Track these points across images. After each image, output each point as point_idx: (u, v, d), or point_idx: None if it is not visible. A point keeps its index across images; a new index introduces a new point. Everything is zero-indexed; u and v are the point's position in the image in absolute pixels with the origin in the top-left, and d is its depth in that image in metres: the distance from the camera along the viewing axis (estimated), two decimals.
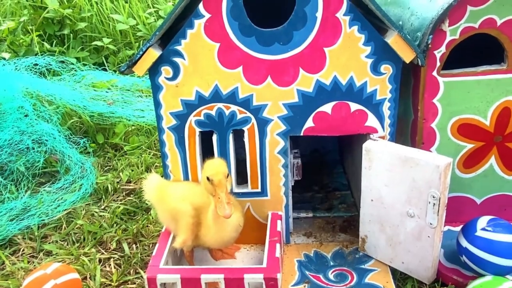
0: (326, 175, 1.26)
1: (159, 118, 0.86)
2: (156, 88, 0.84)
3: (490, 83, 0.82)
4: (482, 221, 0.79)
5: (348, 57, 0.80)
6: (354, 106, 0.84)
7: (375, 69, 0.81)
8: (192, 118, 0.86)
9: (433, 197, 0.76)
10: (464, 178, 0.91)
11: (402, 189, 0.81)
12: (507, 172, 0.90)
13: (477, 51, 0.86)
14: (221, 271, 0.78)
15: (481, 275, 0.78)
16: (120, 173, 1.36)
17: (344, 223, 1.04)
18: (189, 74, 0.82)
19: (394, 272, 0.88)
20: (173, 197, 0.84)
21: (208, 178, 0.75)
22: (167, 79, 0.83)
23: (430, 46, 0.79)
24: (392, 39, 0.77)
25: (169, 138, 0.88)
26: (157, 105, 0.85)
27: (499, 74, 0.81)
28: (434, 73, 0.82)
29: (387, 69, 0.81)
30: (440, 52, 0.80)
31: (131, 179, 1.33)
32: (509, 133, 0.86)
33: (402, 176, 0.80)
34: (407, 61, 0.78)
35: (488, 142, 0.87)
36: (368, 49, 0.79)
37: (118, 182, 1.32)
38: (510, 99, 0.83)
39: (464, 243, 0.79)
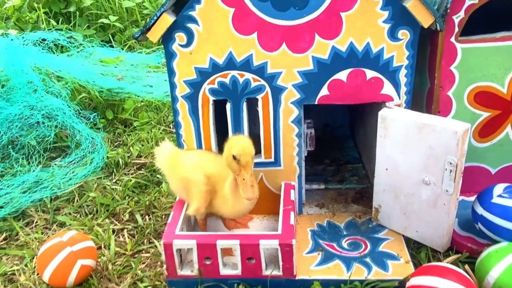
0: (337, 149, 1.25)
1: (172, 86, 0.86)
2: (169, 56, 0.83)
3: (509, 49, 0.81)
4: (499, 188, 0.78)
5: (365, 22, 0.79)
6: (370, 74, 0.83)
7: (392, 35, 0.80)
8: (206, 86, 0.85)
9: (450, 163, 0.76)
10: (479, 147, 0.91)
11: (418, 157, 0.80)
12: None
13: (496, 17, 0.84)
14: (236, 237, 0.78)
15: (496, 242, 0.78)
16: (131, 148, 1.36)
17: (357, 195, 1.04)
18: (203, 40, 0.81)
19: (408, 241, 0.88)
20: (186, 166, 0.84)
21: (234, 157, 0.72)
22: (181, 46, 0.82)
23: (449, 10, 0.78)
24: (411, 3, 0.75)
25: (182, 107, 0.87)
26: (171, 73, 0.84)
27: None
28: (452, 39, 0.81)
29: (404, 34, 0.80)
30: (458, 17, 0.79)
31: (142, 154, 1.33)
32: None
33: (419, 144, 0.79)
34: (426, 26, 0.76)
35: (504, 111, 0.86)
36: (385, 14, 0.78)
37: (129, 157, 1.32)
38: None
39: (480, 210, 0.79)
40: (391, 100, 0.85)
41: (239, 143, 0.74)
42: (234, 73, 0.84)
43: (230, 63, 0.83)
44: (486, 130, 0.89)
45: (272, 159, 0.92)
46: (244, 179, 0.73)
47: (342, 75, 0.84)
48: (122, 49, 1.93)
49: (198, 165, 0.83)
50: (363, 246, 0.87)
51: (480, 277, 0.74)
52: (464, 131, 0.73)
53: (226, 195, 0.79)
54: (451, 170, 0.76)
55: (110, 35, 2.08)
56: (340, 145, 1.27)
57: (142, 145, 1.37)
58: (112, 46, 1.94)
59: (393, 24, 0.79)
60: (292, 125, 0.89)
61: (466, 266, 0.78)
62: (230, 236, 0.78)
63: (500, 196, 0.76)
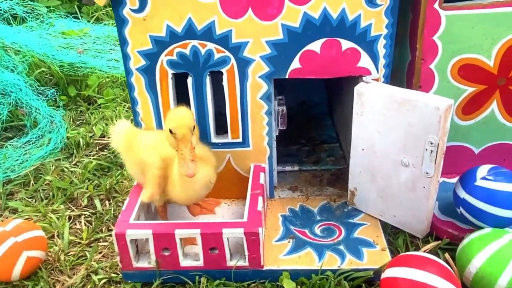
0: (313, 128, 1.18)
1: (125, 57, 0.76)
2: (120, 22, 0.73)
3: (497, 17, 0.73)
4: (483, 170, 0.72)
5: None
6: (345, 44, 0.75)
7: (370, 0, 0.71)
8: (163, 58, 0.76)
9: (431, 143, 0.69)
10: (463, 125, 0.84)
11: (397, 136, 0.73)
12: (509, 119, 0.83)
13: None
14: (197, 226, 0.71)
15: (479, 228, 0.72)
16: (93, 127, 1.26)
17: (332, 176, 0.98)
18: (158, 4, 0.72)
19: (385, 226, 0.82)
20: (141, 147, 0.76)
21: (170, 131, 0.64)
22: (133, 10, 0.72)
23: None
24: None
25: (138, 81, 0.78)
26: (123, 42, 0.75)
27: (508, 6, 0.72)
28: (436, 6, 0.73)
29: (383, 0, 0.71)
30: None
31: (105, 133, 1.24)
32: None
33: (397, 121, 0.72)
34: None
35: (490, 85, 0.80)
36: None
37: (91, 137, 1.23)
38: None
39: (462, 193, 0.73)
40: (368, 74, 0.78)
41: (175, 115, 0.67)
42: (195, 42, 0.75)
43: (190, 32, 0.74)
44: (470, 107, 0.82)
45: (240, 139, 0.84)
46: (182, 154, 0.64)
47: (315, 46, 0.75)
48: (89, 21, 1.81)
49: (154, 146, 0.74)
50: (337, 232, 0.81)
51: (461, 266, 0.68)
52: (447, 108, 0.67)
53: (174, 178, 0.71)
54: (431, 151, 0.70)
55: (76, 7, 1.94)
56: (316, 123, 1.20)
57: (106, 124, 1.28)
58: (77, 18, 1.81)
59: None
60: (261, 102, 0.80)
61: (447, 255, 0.72)
62: (190, 225, 0.71)
63: (484, 178, 0.70)
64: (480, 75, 0.79)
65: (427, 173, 0.72)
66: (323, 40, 0.75)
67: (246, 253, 0.71)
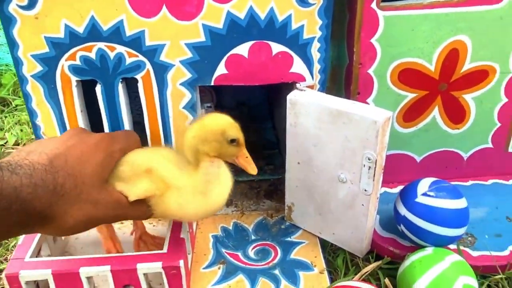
0: (253, 132, 1.10)
1: (17, 62, 0.64)
2: (7, 21, 0.61)
3: (438, 18, 0.68)
4: (424, 184, 0.67)
5: None
6: (276, 48, 0.67)
7: None
8: (64, 63, 0.65)
9: (369, 159, 0.63)
10: (403, 133, 0.79)
11: (333, 150, 0.66)
12: (451, 125, 0.79)
13: None
14: (107, 261, 0.61)
15: (420, 246, 0.67)
16: (6, 133, 1.12)
17: (270, 187, 0.90)
18: (51, 0, 0.60)
19: (324, 244, 0.76)
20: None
21: (233, 140, 0.56)
22: (21, 7, 0.60)
23: None
24: None
25: (35, 90, 0.66)
26: (12, 44, 0.63)
27: (449, 7, 0.67)
28: (373, 6, 0.66)
29: None
30: None
31: (20, 141, 1.10)
32: (455, 80, 0.74)
33: (333, 135, 0.65)
34: None
35: (432, 91, 0.75)
36: None
37: (3, 145, 1.08)
38: (459, 39, 0.70)
39: (403, 210, 0.67)
40: (303, 80, 0.70)
41: (224, 123, 0.57)
42: (101, 45, 0.64)
43: (94, 32, 0.63)
44: (411, 114, 0.77)
45: None
46: (247, 157, 0.59)
47: (243, 50, 0.67)
48: None
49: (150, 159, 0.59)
50: (273, 254, 0.74)
51: None
52: (385, 121, 0.60)
53: (195, 190, 0.57)
54: (369, 167, 0.63)
55: None
56: (256, 127, 1.12)
57: (22, 130, 1.13)
58: None
59: None
60: (185, 112, 0.71)
61: (386, 280, 0.67)
62: (99, 260, 0.61)
63: (424, 194, 0.65)
64: (421, 80, 0.73)
65: (365, 190, 0.66)
66: (251, 43, 0.66)
67: (166, 285, 0.63)
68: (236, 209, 0.84)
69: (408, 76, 0.73)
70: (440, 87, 0.74)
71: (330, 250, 0.76)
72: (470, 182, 0.84)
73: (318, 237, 0.77)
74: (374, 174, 0.64)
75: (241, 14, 0.64)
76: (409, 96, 0.75)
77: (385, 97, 0.74)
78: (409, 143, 0.80)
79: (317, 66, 0.69)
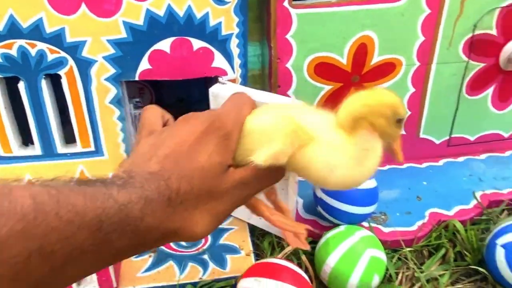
0: None
1: None
2: None
3: (346, 15, 0.74)
4: None
5: None
6: (196, 43, 0.71)
7: None
8: None
9: None
10: None
11: None
12: None
13: None
14: None
15: (336, 225, 0.73)
16: None
17: None
18: None
19: (253, 228, 0.81)
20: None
21: (400, 121, 0.45)
22: None
23: None
24: None
25: None
26: None
27: (355, 5, 0.73)
28: (286, 4, 0.71)
29: None
30: None
31: None
32: (366, 72, 0.80)
33: None
34: None
35: (346, 83, 0.81)
36: None
37: None
38: (366, 34, 0.76)
39: (319, 193, 0.73)
40: (224, 75, 0.74)
41: (397, 100, 0.44)
42: (22, 42, 0.65)
43: (14, 30, 0.64)
44: (327, 105, 0.82)
45: (92, 148, 0.76)
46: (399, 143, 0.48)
47: (164, 45, 0.70)
48: None
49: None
50: (203, 241, 0.77)
51: (318, 267, 0.69)
52: None
53: (349, 153, 0.44)
54: None
55: None
56: None
57: None
58: None
59: None
60: (111, 106, 0.73)
61: (303, 257, 0.72)
62: None
63: None
64: (335, 73, 0.79)
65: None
66: (172, 39, 0.69)
67: (95, 275, 0.65)
68: None
69: (323, 70, 0.79)
70: (353, 79, 0.81)
71: (258, 234, 0.81)
72: (387, 167, 0.91)
73: (248, 223, 0.81)
74: None
75: (160, 12, 0.67)
76: (326, 88, 0.81)
77: (303, 89, 0.80)
78: None
79: (237, 61, 0.74)
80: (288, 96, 0.80)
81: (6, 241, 0.27)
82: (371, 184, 0.72)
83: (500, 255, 0.67)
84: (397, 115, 0.45)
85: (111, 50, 0.68)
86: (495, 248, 0.68)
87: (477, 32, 0.79)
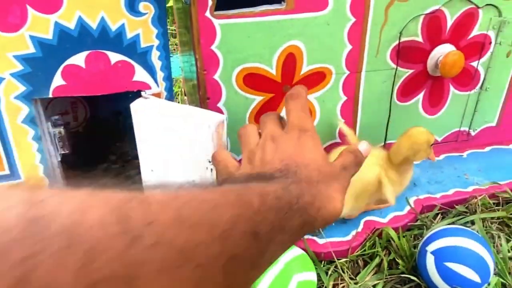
0: (128, 142, 1.08)
1: None
2: None
3: (271, 25, 0.72)
4: None
5: None
6: (114, 57, 0.67)
7: (132, 8, 0.64)
8: None
9: (209, 161, 0.65)
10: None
11: (179, 155, 0.68)
12: None
13: None
14: None
15: None
16: None
17: None
18: None
19: None
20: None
21: (432, 145, 0.78)
22: None
23: None
24: None
25: None
26: None
27: (279, 14, 0.72)
28: (207, 14, 0.69)
29: (147, 8, 0.65)
30: None
31: None
32: (297, 82, 0.79)
33: (176, 140, 0.66)
34: None
35: (277, 93, 0.79)
36: None
37: None
38: (293, 44, 0.75)
39: None
40: (148, 88, 0.71)
41: (427, 134, 0.77)
42: None
43: None
44: (260, 116, 0.81)
45: (7, 171, 0.71)
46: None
47: (79, 60, 0.66)
48: None
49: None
50: None
51: None
52: (218, 124, 0.63)
53: (401, 183, 0.80)
54: (211, 169, 0.66)
55: None
56: (132, 136, 1.10)
57: None
58: None
59: None
60: (24, 126, 0.68)
61: None
62: None
63: None
64: (265, 83, 0.78)
65: None
66: (86, 53, 0.65)
67: None
68: None
69: (253, 80, 0.77)
70: (284, 89, 0.79)
71: None
72: None
73: None
74: (217, 176, 0.66)
75: (71, 24, 0.63)
76: (257, 99, 0.79)
77: (234, 101, 0.78)
78: None
79: (160, 74, 0.70)
80: (218, 108, 0.78)
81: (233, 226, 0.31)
82: None
83: (430, 262, 0.67)
84: (430, 143, 0.77)
85: (19, 67, 0.64)
86: (425, 255, 0.68)
87: (403, 39, 0.79)
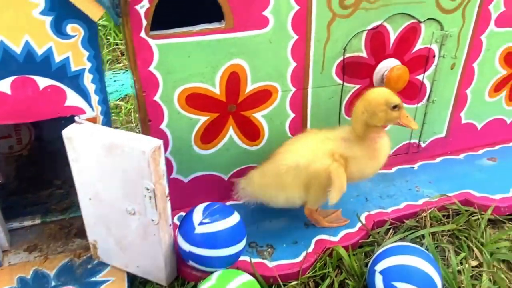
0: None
1: None
2: None
3: (211, 44, 0.70)
4: (197, 213, 0.68)
5: (15, 14, 0.58)
6: (43, 82, 0.63)
7: (59, 31, 0.61)
8: None
9: (147, 189, 0.62)
10: (205, 154, 0.80)
11: (116, 183, 0.64)
12: (248, 143, 0.82)
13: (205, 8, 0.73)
14: None
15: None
16: None
17: (83, 225, 0.85)
18: None
19: (134, 278, 0.74)
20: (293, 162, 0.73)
21: (396, 106, 0.70)
22: None
23: (128, 0, 0.62)
24: None
25: None
26: None
27: (219, 34, 0.70)
28: (143, 35, 0.66)
29: (76, 30, 0.61)
30: (143, 7, 0.64)
31: None
32: (243, 101, 0.77)
33: (112, 167, 0.63)
34: (95, 19, 0.59)
35: (222, 113, 0.77)
36: (41, 4, 0.58)
37: None
38: (235, 63, 0.73)
39: (187, 246, 0.66)
40: (82, 113, 0.67)
41: (385, 93, 0.71)
42: None
43: None
44: (208, 136, 0.79)
45: None
46: (407, 116, 0.72)
47: (4, 86, 0.62)
48: None
49: (312, 151, 0.73)
50: None
51: None
52: (154, 150, 0.60)
53: (366, 155, 0.73)
54: (150, 197, 0.63)
55: None
56: None
57: None
58: None
59: (55, 16, 0.59)
60: None
61: None
62: None
63: (201, 224, 0.66)
64: (209, 103, 0.75)
65: (152, 220, 0.65)
66: (11, 78, 0.61)
67: None
68: (40, 254, 0.78)
69: (196, 100, 0.74)
70: (229, 108, 0.77)
71: (139, 283, 0.74)
72: None
73: (126, 272, 0.74)
74: (156, 203, 0.63)
75: None
76: (202, 119, 0.77)
77: (177, 122, 0.75)
78: (213, 163, 0.82)
79: (95, 98, 0.67)
80: (161, 130, 0.75)
81: None
82: (235, 219, 0.68)
83: (379, 281, 0.66)
84: (390, 104, 0.69)
85: None
86: (374, 274, 0.67)
87: (347, 55, 0.79)
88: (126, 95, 1.34)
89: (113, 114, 1.21)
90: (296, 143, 0.76)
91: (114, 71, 1.47)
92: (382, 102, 0.69)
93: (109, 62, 1.52)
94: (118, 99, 1.32)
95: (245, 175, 0.77)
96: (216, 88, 0.74)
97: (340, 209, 0.83)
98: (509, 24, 0.87)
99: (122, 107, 1.28)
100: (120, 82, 1.40)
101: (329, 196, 0.70)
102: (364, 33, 0.78)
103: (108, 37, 1.60)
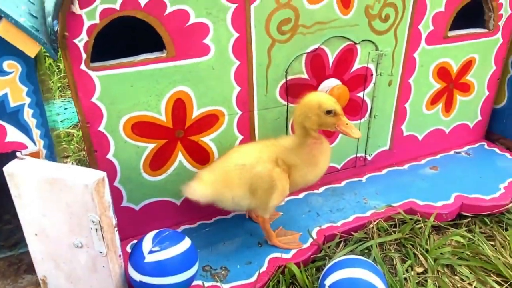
0: None
1: None
2: None
3: (154, 73, 0.71)
4: (147, 242, 0.68)
5: None
6: None
7: None
8: None
9: (93, 222, 0.62)
10: (156, 181, 0.81)
11: (61, 218, 0.64)
12: (199, 167, 0.83)
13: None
14: None
15: None
16: None
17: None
18: None
19: None
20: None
21: (329, 111, 0.71)
22: None
23: (66, 34, 0.63)
24: (1, 28, 0.57)
25: None
26: None
27: (161, 62, 0.71)
28: (83, 67, 0.67)
29: (13, 66, 0.61)
30: (82, 41, 0.65)
31: None
32: (190, 126, 0.79)
33: (56, 202, 0.63)
34: (32, 55, 0.60)
35: (170, 139, 0.78)
36: None
37: None
38: (180, 90, 0.75)
39: (138, 276, 0.66)
40: (24, 148, 0.67)
41: (319, 98, 0.73)
42: None
43: None
44: (157, 162, 0.79)
45: None
46: (347, 123, 0.72)
47: None
48: None
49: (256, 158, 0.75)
50: None
51: None
52: (98, 182, 0.60)
53: (307, 162, 0.76)
54: (96, 229, 0.62)
55: None
56: None
57: None
58: None
59: None
60: None
61: None
62: None
63: (151, 252, 0.66)
64: (156, 130, 0.76)
65: (100, 252, 0.64)
66: None
67: None
68: None
69: (142, 128, 0.75)
70: (177, 134, 0.78)
71: None
72: (231, 215, 0.90)
73: None
74: (103, 235, 0.63)
75: None
76: (149, 146, 0.77)
77: (124, 151, 0.75)
78: (164, 189, 0.83)
79: (36, 132, 0.67)
80: (108, 160, 0.75)
81: None
82: (186, 244, 0.68)
83: None
84: (324, 109, 0.71)
85: None
86: None
87: (289, 77, 0.82)
88: (78, 122, 1.32)
89: (64, 143, 1.19)
90: (245, 146, 0.80)
91: (65, 98, 1.45)
92: (315, 106, 0.72)
93: (59, 89, 1.50)
94: (70, 126, 1.30)
95: (195, 176, 0.77)
96: (162, 115, 0.75)
97: (300, 233, 0.84)
98: (438, 41, 0.93)
99: (74, 135, 1.26)
100: (72, 109, 1.38)
101: (271, 200, 0.75)
102: (304, 56, 0.82)
103: (58, 64, 1.58)
